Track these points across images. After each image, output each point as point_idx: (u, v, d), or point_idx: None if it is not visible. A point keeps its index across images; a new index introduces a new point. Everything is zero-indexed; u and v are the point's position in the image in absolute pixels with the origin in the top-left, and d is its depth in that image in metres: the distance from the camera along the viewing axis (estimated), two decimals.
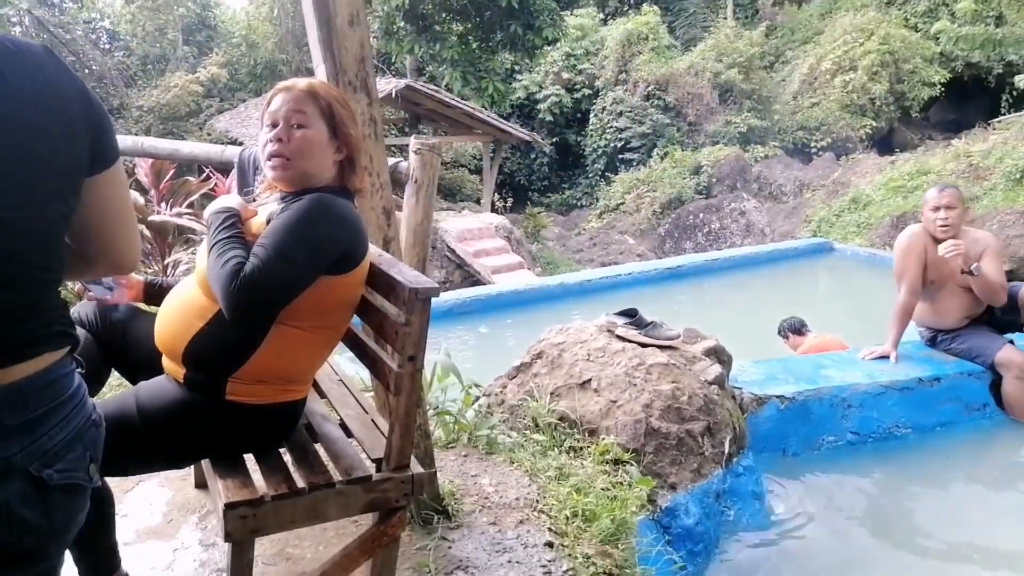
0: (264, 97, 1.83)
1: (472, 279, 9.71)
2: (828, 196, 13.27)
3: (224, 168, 4.12)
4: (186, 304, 1.69)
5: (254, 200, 1.86)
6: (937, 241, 3.73)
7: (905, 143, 16.39)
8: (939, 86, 16.61)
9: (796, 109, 17.38)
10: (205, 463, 1.69)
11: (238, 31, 20.44)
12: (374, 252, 1.81)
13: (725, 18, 20.62)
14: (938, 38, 15.69)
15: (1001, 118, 14.56)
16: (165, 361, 1.71)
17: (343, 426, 1.90)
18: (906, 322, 3.88)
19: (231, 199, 1.76)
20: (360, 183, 1.83)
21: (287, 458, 1.72)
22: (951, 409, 3.65)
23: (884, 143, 16.69)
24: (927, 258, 3.77)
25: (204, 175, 5.01)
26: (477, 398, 2.99)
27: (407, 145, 2.84)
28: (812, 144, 16.52)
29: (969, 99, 17.33)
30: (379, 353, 1.75)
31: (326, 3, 1.87)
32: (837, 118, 16.57)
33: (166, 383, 1.67)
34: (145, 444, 1.60)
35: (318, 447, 1.80)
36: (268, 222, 1.64)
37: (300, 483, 1.59)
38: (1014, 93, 14.46)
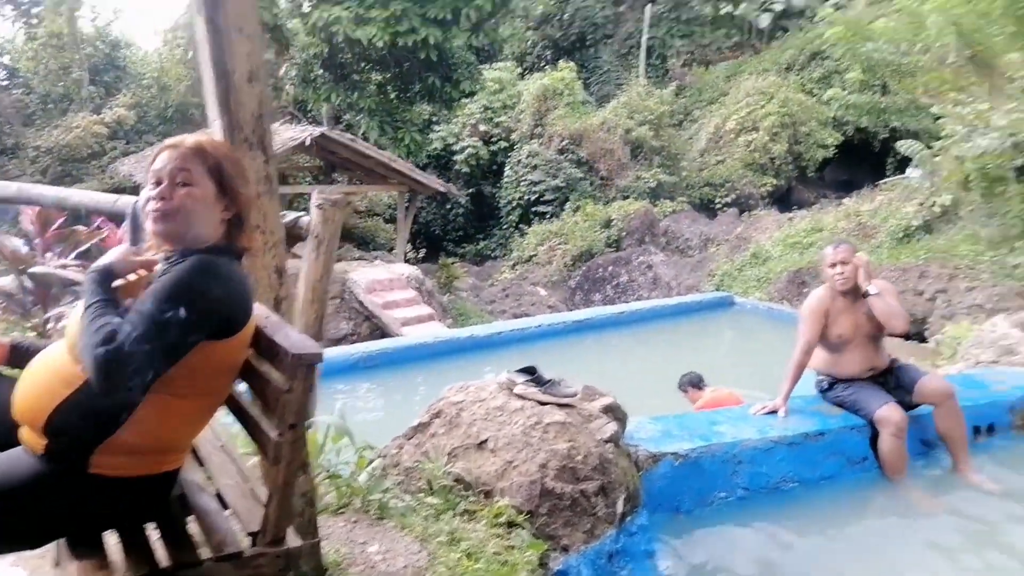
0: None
1: (381, 331, 9.59)
2: (731, 251, 13.87)
3: (117, 218, 3.97)
4: (52, 370, 1.61)
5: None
6: (841, 296, 3.98)
7: (802, 201, 17.35)
8: (832, 148, 17.75)
9: (703, 166, 18.19)
10: (61, 542, 1.59)
11: (149, 73, 19.91)
12: (261, 313, 1.77)
13: (637, 76, 21.54)
14: (831, 103, 16.90)
15: (886, 180, 15.66)
16: (23, 431, 1.60)
17: (220, 497, 1.83)
18: (797, 378, 4.07)
19: (116, 253, 1.68)
20: (250, 242, 1.79)
21: (155, 535, 1.64)
22: (834, 463, 3.81)
23: (783, 200, 17.63)
24: (831, 315, 4.00)
25: (96, 224, 4.80)
26: (372, 460, 2.93)
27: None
28: (717, 200, 17.29)
29: (859, 161, 18.56)
30: (259, 420, 1.71)
31: (224, 59, 1.85)
32: (741, 175, 17.42)
33: (22, 455, 1.57)
34: None
35: (191, 521, 1.72)
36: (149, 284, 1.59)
37: (164, 563, 1.52)
38: (897, 157, 15.61)
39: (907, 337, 6.75)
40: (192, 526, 1.73)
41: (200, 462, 2.00)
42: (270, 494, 1.62)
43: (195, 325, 1.51)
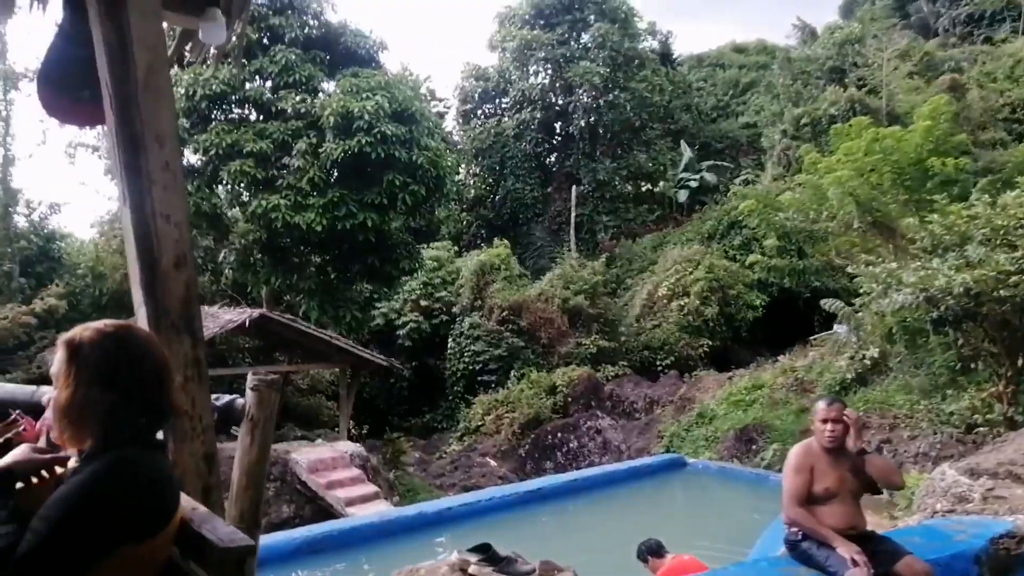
0: None
1: (326, 513, 9.05)
2: (676, 411, 13.93)
3: (36, 409, 3.73)
4: None
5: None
6: (825, 451, 3.95)
7: (739, 360, 17.81)
8: (760, 308, 18.54)
9: (640, 331, 18.67)
10: None
11: (84, 262, 19.82)
12: (187, 505, 1.62)
13: (569, 250, 22.55)
14: (753, 267, 17.91)
15: (815, 336, 16.33)
16: None
17: None
18: (812, 518, 3.92)
19: (18, 453, 1.55)
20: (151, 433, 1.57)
21: None
22: None
23: (722, 360, 18.06)
24: (815, 471, 3.94)
25: (11, 418, 4.50)
26: None
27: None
28: (657, 362, 17.61)
29: (788, 319, 19.35)
30: None
31: (151, 247, 1.83)
32: (677, 338, 17.89)
33: None
34: None
35: None
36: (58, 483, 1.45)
37: None
38: (823, 313, 16.40)
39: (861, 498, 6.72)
40: None
41: None
42: None
43: (105, 533, 1.37)
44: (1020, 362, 8.02)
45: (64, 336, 1.53)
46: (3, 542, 1.28)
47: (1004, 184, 9.07)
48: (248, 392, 2.81)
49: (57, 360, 1.52)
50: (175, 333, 1.85)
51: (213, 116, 15.84)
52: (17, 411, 4.61)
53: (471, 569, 2.99)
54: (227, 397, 2.86)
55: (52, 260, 19.55)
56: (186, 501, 1.67)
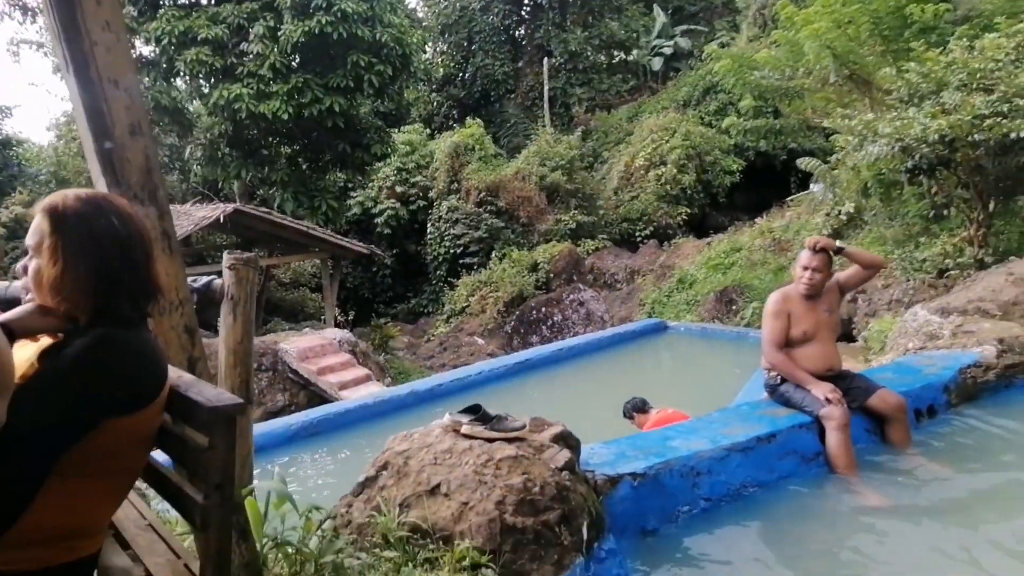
0: None
1: (319, 398, 9.27)
2: (657, 279, 14.14)
3: (12, 304, 3.71)
4: None
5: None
6: (803, 297, 4.10)
7: (717, 226, 17.92)
8: (738, 173, 18.48)
9: (618, 203, 18.63)
10: None
11: (45, 168, 19.23)
12: (173, 374, 1.63)
13: (544, 126, 22.08)
14: (730, 132, 17.68)
15: (792, 197, 16.38)
16: None
17: None
18: (794, 367, 4.07)
19: (26, 311, 1.48)
20: (142, 310, 1.55)
21: None
22: (789, 463, 3.81)
23: (700, 227, 18.18)
24: (793, 316, 4.09)
25: None
26: (321, 522, 2.75)
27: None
28: (637, 233, 17.69)
29: (765, 183, 19.37)
30: (182, 486, 1.55)
31: (101, 112, 1.74)
32: (656, 208, 17.90)
33: None
34: None
35: None
36: (40, 359, 1.43)
37: None
38: (799, 174, 16.38)
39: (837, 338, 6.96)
40: None
41: (125, 545, 1.82)
42: (202, 564, 1.47)
43: (95, 407, 1.38)
44: (992, 206, 8.12)
45: (44, 203, 1.48)
46: None
47: (983, 29, 8.83)
48: (225, 271, 2.78)
49: (38, 230, 1.47)
50: (139, 205, 1.79)
51: (161, 2, 14.94)
52: None
53: (463, 429, 3.08)
54: (204, 278, 2.84)
55: (11, 168, 18.95)
56: (173, 371, 1.68)
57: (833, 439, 3.84)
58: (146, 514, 1.96)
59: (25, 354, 1.45)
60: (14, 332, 1.43)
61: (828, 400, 3.89)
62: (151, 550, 1.75)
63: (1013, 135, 6.69)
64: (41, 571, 1.40)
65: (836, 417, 3.85)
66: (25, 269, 1.49)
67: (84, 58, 1.67)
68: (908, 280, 8.50)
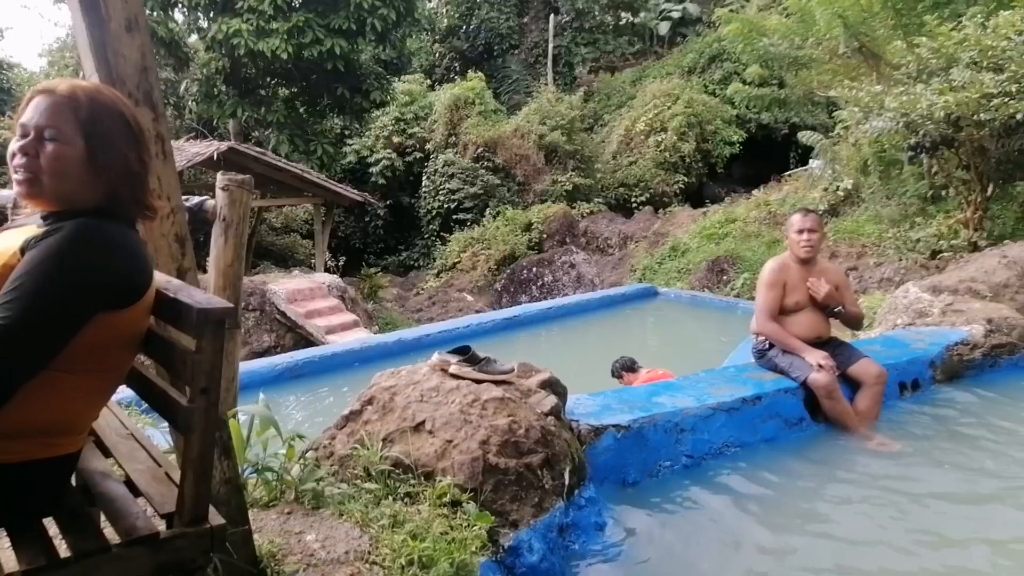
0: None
1: (305, 341, 9.26)
2: (650, 246, 14.11)
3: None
4: None
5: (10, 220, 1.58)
6: (800, 262, 4.09)
7: (713, 196, 17.85)
8: (738, 144, 18.34)
9: (616, 167, 18.48)
10: None
11: None
12: (161, 279, 1.59)
13: (546, 84, 21.75)
14: (734, 102, 17.49)
15: (791, 171, 16.31)
16: None
17: (129, 483, 1.63)
18: (786, 335, 4.08)
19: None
20: (151, 208, 1.55)
21: (52, 528, 1.43)
22: (773, 426, 3.83)
23: (696, 197, 18.10)
24: (788, 285, 4.10)
25: None
26: (303, 452, 2.74)
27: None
28: (632, 199, 17.59)
29: (764, 156, 19.26)
30: (167, 389, 1.52)
31: (97, 5, 1.66)
32: (653, 175, 17.77)
33: None
34: None
35: (95, 511, 1.52)
36: (24, 250, 1.38)
37: (65, 553, 1.32)
38: (799, 150, 16.28)
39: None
40: (96, 516, 1.53)
41: (106, 453, 1.79)
42: (183, 469, 1.44)
43: (82, 300, 1.34)
44: (990, 189, 8.11)
45: (63, 87, 1.43)
46: None
47: (999, 5, 8.70)
48: (218, 192, 2.73)
49: (38, 109, 1.41)
50: (134, 104, 1.71)
51: None
52: None
53: (451, 368, 3.07)
54: (196, 198, 2.78)
55: (3, 92, 18.56)
56: (162, 276, 1.63)
57: (826, 406, 3.90)
58: (127, 423, 1.93)
59: (12, 243, 1.41)
60: None
61: (820, 367, 3.90)
62: (132, 457, 1.73)
63: (1019, 116, 6.65)
64: (20, 464, 1.38)
65: (823, 384, 3.87)
66: (24, 152, 1.41)
67: None
68: (901, 259, 8.52)
